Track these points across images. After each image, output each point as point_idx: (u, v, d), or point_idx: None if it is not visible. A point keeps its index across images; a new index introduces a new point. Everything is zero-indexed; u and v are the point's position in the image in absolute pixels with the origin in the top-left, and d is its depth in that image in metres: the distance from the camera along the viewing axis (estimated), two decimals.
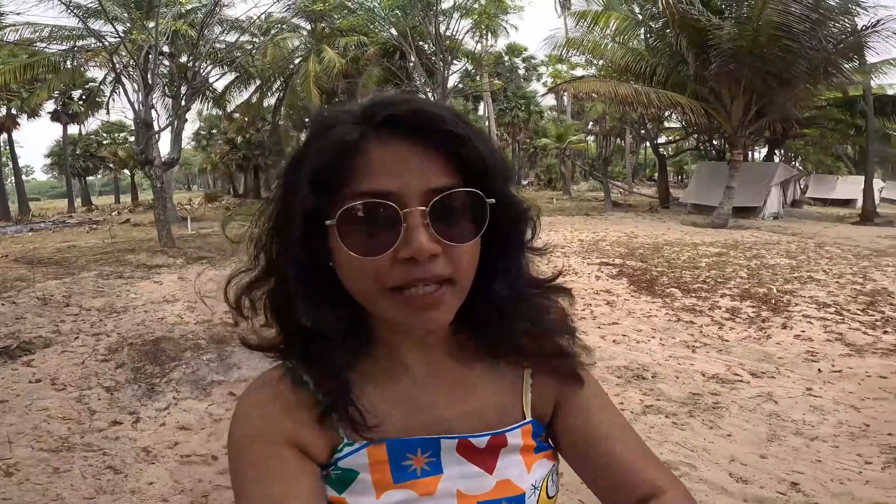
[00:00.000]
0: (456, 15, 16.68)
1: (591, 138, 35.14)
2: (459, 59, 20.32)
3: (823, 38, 12.55)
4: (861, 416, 3.25)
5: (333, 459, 0.53)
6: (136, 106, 11.37)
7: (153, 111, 11.85)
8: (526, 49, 37.86)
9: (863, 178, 17.61)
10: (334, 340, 0.52)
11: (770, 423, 3.20)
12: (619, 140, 32.32)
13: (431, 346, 0.57)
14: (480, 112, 39.24)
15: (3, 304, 6.48)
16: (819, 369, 4.06)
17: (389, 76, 19.48)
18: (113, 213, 23.58)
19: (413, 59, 17.71)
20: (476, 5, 16.26)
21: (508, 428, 0.58)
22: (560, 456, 0.63)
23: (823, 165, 31.46)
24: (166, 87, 14.84)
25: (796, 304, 5.88)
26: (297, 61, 20.75)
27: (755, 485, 2.53)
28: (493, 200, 0.48)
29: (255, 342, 0.56)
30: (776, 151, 22.86)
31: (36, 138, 46.88)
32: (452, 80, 20.21)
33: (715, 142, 21.20)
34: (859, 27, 12.57)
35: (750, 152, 21.41)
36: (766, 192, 16.74)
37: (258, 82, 21.40)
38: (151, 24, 11.97)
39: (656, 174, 25.69)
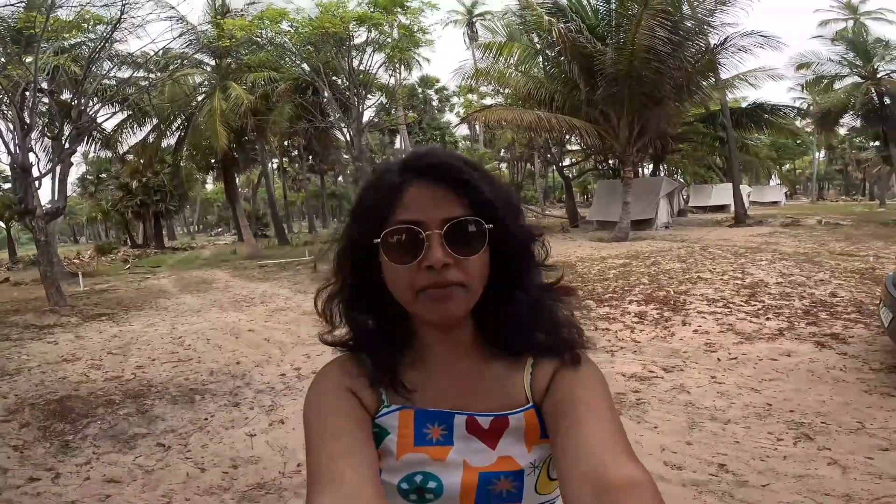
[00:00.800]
0: (369, 49, 16.98)
1: (503, 165, 36.81)
2: (374, 93, 20.57)
3: (684, 59, 14.40)
4: (762, 396, 3.62)
5: (376, 416, 0.69)
6: (13, 148, 10.28)
7: (32, 154, 10.76)
8: (438, 80, 39.23)
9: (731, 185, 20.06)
10: (385, 333, 0.70)
11: (687, 412, 3.45)
12: (528, 165, 34.21)
13: (457, 342, 0.70)
14: (397, 145, 39.71)
15: None
16: (718, 358, 4.41)
17: (302, 112, 19.24)
18: None
19: (326, 94, 17.69)
20: (389, 40, 16.65)
21: (511, 411, 0.68)
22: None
23: (699, 176, 35.31)
24: (46, 128, 13.54)
25: (691, 303, 6.50)
26: (200, 98, 19.86)
27: (688, 470, 2.75)
28: (491, 226, 0.63)
29: (330, 340, 0.73)
30: (660, 166, 25.40)
31: None
32: (368, 114, 20.37)
33: (610, 161, 23.11)
34: (711, 45, 14.51)
35: (639, 169, 23.59)
36: (656, 205, 18.49)
37: (155, 121, 20.10)
38: (30, 59, 10.98)
39: (565, 196, 27.45)
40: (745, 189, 22.55)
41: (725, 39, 14.34)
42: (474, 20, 35.17)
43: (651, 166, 26.16)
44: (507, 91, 18.07)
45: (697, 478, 2.66)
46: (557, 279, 0.73)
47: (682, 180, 32.79)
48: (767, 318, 5.53)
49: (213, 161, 24.65)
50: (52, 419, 3.93)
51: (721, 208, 26.79)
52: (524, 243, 0.68)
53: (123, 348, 6.60)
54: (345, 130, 19.09)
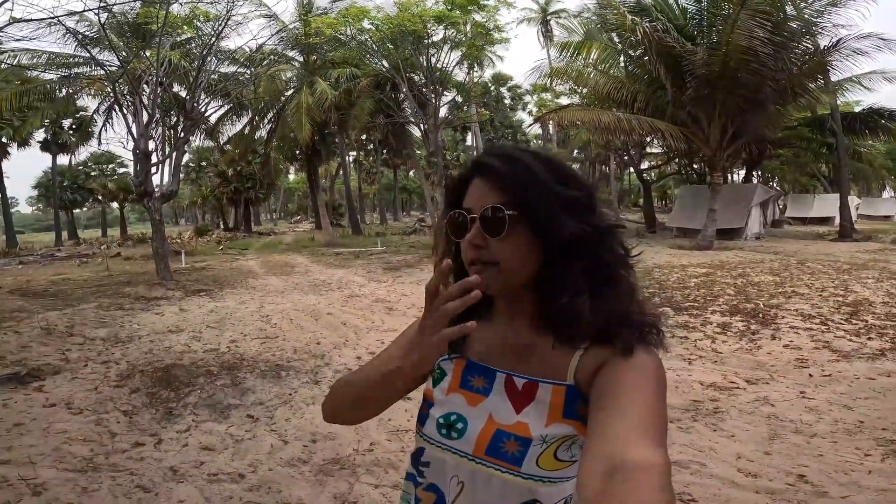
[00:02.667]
0: (445, 47, 17.22)
1: (577, 166, 35.87)
2: (450, 91, 20.82)
3: (788, 60, 13.24)
4: (855, 414, 3.44)
5: (439, 362, 0.84)
6: (135, 135, 11.51)
7: (151, 142, 12.00)
8: (511, 79, 38.96)
9: (838, 195, 18.23)
10: None
11: (770, 423, 3.37)
12: (604, 167, 33.07)
13: (518, 313, 0.79)
14: (469, 142, 39.91)
15: (5, 334, 6.49)
16: (810, 374, 4.27)
17: (381, 108, 19.90)
18: (102, 247, 23.38)
19: (404, 90, 18.17)
20: (464, 38, 16.79)
21: (544, 380, 0.73)
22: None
23: (799, 185, 32.44)
24: (163, 118, 15.05)
25: (783, 317, 6.15)
26: (289, 93, 21.13)
27: (764, 478, 2.68)
28: (513, 212, 0.71)
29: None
30: (754, 173, 23.60)
31: (21, 170, 46.24)
32: (443, 111, 20.67)
33: (695, 165, 21.81)
34: (821, 47, 13.25)
35: (729, 174, 22.07)
36: (747, 213, 17.23)
37: (251, 114, 21.68)
38: (150, 54, 12.20)
39: (641, 199, 26.25)
40: (852, 200, 20.40)
41: (838, 41, 13.03)
42: (549, 18, 34.45)
43: (743, 172, 24.37)
44: (583, 91, 17.58)
45: (773, 486, 2.60)
46: (628, 270, 0.77)
47: (778, 188, 30.25)
48: (869, 338, 5.17)
49: (297, 152, 26.08)
50: (158, 386, 4.40)
51: (823, 220, 24.45)
52: (572, 233, 0.71)
53: (220, 323, 7.24)
54: (421, 126, 19.48)
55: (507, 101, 40.50)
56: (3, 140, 26.90)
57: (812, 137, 19.87)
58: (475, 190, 0.76)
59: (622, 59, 16.62)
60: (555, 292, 0.72)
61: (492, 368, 0.78)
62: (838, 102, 17.51)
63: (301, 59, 21.27)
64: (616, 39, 16.27)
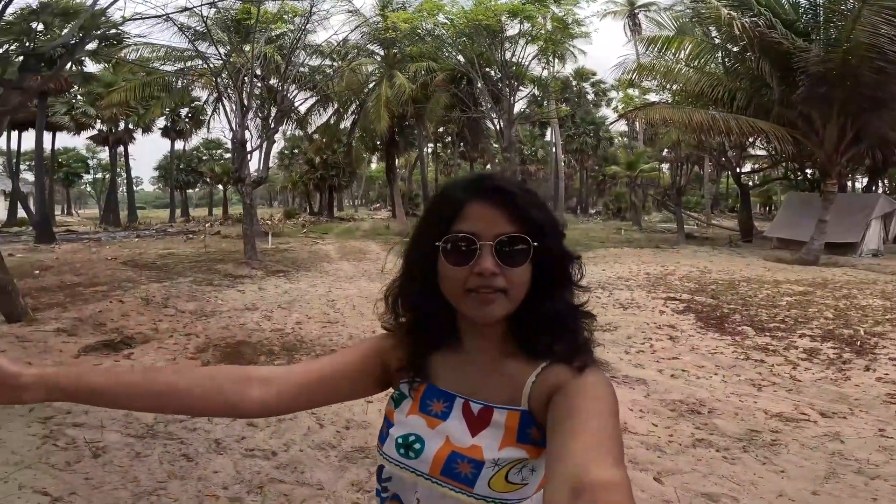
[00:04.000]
0: (521, 41, 16.92)
1: (665, 166, 33.70)
2: (526, 85, 20.45)
3: None
4: None
5: (400, 382, 0.86)
6: (234, 125, 12.58)
7: (247, 131, 13.06)
8: (594, 74, 37.32)
9: None
10: (431, 322, 0.82)
11: (831, 461, 3.05)
12: (696, 168, 30.78)
13: (490, 340, 0.80)
14: (548, 138, 38.90)
15: (111, 302, 7.38)
16: None
17: (456, 102, 20.01)
18: (206, 225, 25.81)
19: (480, 84, 18.11)
20: (542, 32, 16.39)
21: (498, 406, 0.77)
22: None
23: None
24: (258, 109, 16.29)
25: (884, 347, 5.43)
26: (370, 86, 21.93)
27: None
28: (537, 244, 0.74)
29: (388, 326, 0.88)
30: (878, 182, 20.79)
31: (144, 152, 52.81)
32: (519, 106, 20.36)
33: (807, 171, 19.67)
34: None
35: (847, 182, 19.62)
36: (865, 227, 15.25)
37: (336, 105, 22.77)
38: (247, 48, 13.24)
39: (738, 205, 24.17)
40: None
41: None
42: (636, 12, 32.42)
43: (865, 180, 21.56)
44: (674, 87, 16.43)
45: None
46: (583, 301, 0.81)
47: None
48: None
49: (377, 143, 27.01)
50: (226, 361, 4.80)
51: None
52: (563, 263, 0.78)
53: (290, 304, 7.73)
54: (495, 121, 19.33)
55: (589, 97, 38.90)
56: (130, 126, 30.50)
57: None
58: (480, 214, 0.75)
59: (720, 54, 15.33)
60: (532, 313, 0.77)
61: (451, 393, 0.81)
62: None
63: (382, 52, 21.93)
64: (713, 34, 15.02)
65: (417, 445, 0.79)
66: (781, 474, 2.90)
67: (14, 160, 28.08)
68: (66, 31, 6.59)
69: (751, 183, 23.34)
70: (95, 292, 8.22)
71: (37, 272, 10.13)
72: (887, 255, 15.44)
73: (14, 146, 29.29)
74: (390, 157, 26.70)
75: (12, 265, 10.82)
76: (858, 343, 5.61)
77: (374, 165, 52.54)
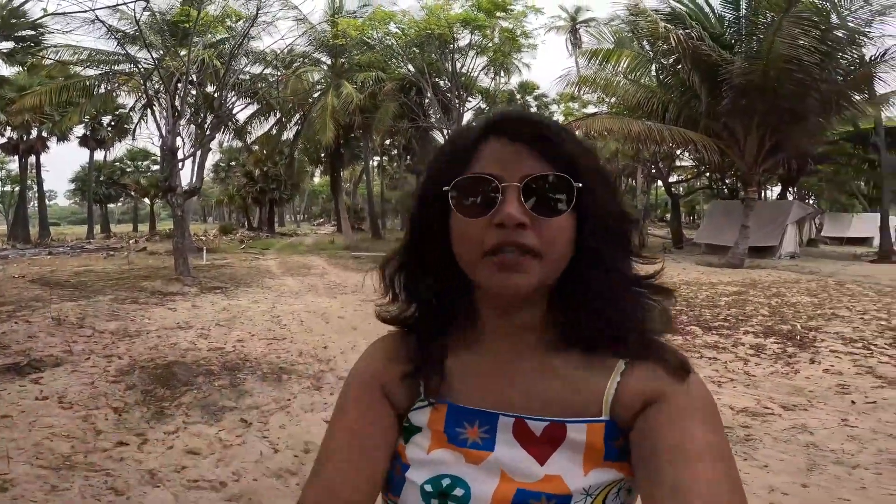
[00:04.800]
0: (472, 53, 17.14)
1: None
2: (474, 96, 20.75)
3: (833, 70, 12.66)
4: None
5: (409, 412, 0.62)
6: (163, 132, 11.70)
7: (178, 139, 12.21)
8: (538, 87, 38.67)
9: (879, 215, 17.37)
10: (442, 308, 0.62)
11: (808, 453, 3.10)
12: (630, 180, 32.42)
13: (522, 327, 0.59)
14: None
15: (16, 323, 6.51)
16: (853, 401, 3.96)
17: (405, 111, 19.91)
18: (131, 241, 23.94)
19: (429, 95, 18.12)
20: (491, 44, 16.69)
21: (573, 419, 0.56)
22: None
23: (838, 203, 31.15)
24: (192, 116, 15.41)
25: (822, 340, 5.76)
26: (316, 95, 21.37)
27: None
28: (581, 185, 0.54)
29: (387, 316, 0.67)
30: (790, 189, 22.71)
31: (60, 164, 48.32)
32: (467, 117, 20.58)
33: (727, 180, 21.10)
34: (867, 58, 12.66)
35: (763, 191, 21.28)
36: (782, 231, 16.53)
37: (278, 115, 21.99)
38: (184, 53, 12.44)
39: (668, 214, 25.57)
40: (894, 221, 19.44)
41: (885, 52, 12.44)
42: (578, 27, 34.12)
43: (779, 188, 23.51)
44: (612, 100, 17.22)
45: None
46: (657, 271, 0.61)
47: (815, 206, 29.10)
48: None
49: (321, 155, 26.35)
50: (156, 384, 4.26)
51: (861, 241, 23.34)
52: (616, 219, 0.58)
53: (229, 321, 7.14)
54: (444, 132, 19.43)
55: (532, 110, 40.28)
56: (44, 134, 27.81)
57: (853, 153, 19.01)
58: (501, 152, 0.56)
59: (654, 67, 16.22)
60: (583, 288, 0.57)
61: (488, 411, 0.59)
62: (883, 117, 16.69)
63: (329, 61, 21.50)
64: (647, 47, 15.89)
65: (460, 491, 0.57)
66: (765, 469, 2.90)
67: None
68: None
69: (678, 192, 24.75)
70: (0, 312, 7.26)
71: None
72: (803, 256, 16.82)
73: None
74: (335, 169, 26.09)
75: None
76: (798, 337, 5.92)
77: (317, 179, 51.46)
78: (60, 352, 5.26)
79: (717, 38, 13.70)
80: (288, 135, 23.97)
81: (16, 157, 30.38)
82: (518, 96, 35.97)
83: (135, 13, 10.77)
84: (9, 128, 26.48)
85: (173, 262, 11.91)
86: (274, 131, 22.97)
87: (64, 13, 8.48)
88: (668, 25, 13.28)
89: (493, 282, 0.54)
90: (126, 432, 3.28)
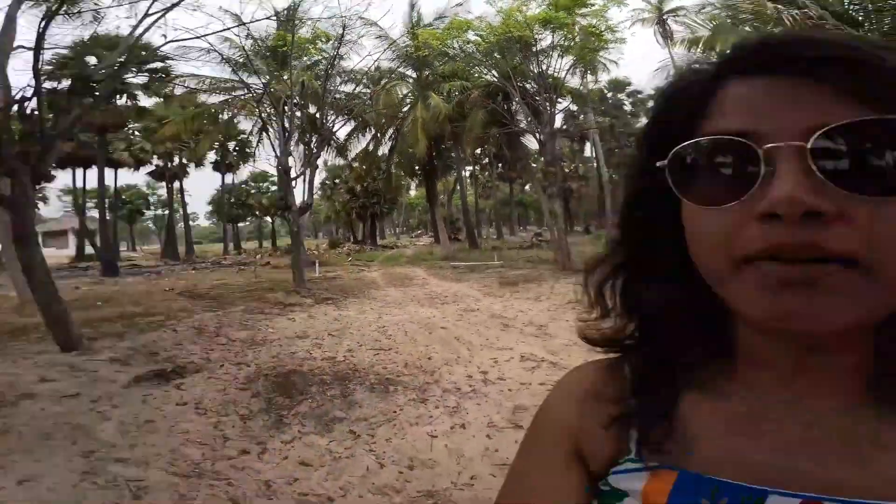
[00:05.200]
0: (555, 53, 16.59)
1: None
2: (564, 97, 20.08)
3: None
4: None
5: (610, 471, 0.42)
6: (278, 153, 12.85)
7: (290, 158, 13.35)
8: (630, 83, 36.53)
9: None
10: (672, 327, 0.43)
11: None
12: None
13: (823, 372, 0.37)
14: (587, 153, 38.17)
15: (165, 331, 7.41)
16: None
17: (494, 118, 19.84)
18: (257, 257, 26.61)
19: (517, 99, 17.86)
20: (574, 43, 15.98)
21: None
22: None
23: None
24: (300, 136, 16.77)
25: None
26: (405, 109, 22.02)
27: None
28: None
29: (595, 337, 0.49)
30: None
31: (199, 187, 55.62)
32: (558, 120, 19.97)
33: None
34: None
35: None
36: None
37: (373, 131, 23.12)
38: (286, 76, 13.62)
39: None
40: None
41: None
42: (665, 17, 31.52)
43: None
44: None
45: None
46: None
47: None
48: None
49: (416, 168, 27.21)
50: (276, 392, 4.56)
51: None
52: None
53: (340, 331, 7.52)
54: (536, 135, 19.02)
55: (626, 108, 38.08)
56: (184, 161, 32.10)
57: None
58: (762, 96, 0.35)
59: None
60: None
61: (753, 487, 0.36)
62: None
63: (414, 74, 22.16)
64: (752, 32, 14.22)
65: None
66: None
67: (81, 199, 30.04)
68: (109, 58, 6.86)
69: None
70: (151, 322, 8.34)
71: (99, 303, 10.47)
72: None
73: (80, 184, 31.33)
74: (430, 181, 26.79)
75: (76, 297, 11.31)
76: None
77: (413, 192, 53.23)
78: (200, 359, 5.88)
79: (839, 15, 11.89)
80: (383, 150, 25.08)
81: (163, 183, 35.47)
82: (609, 94, 34.25)
83: (242, 43, 12.08)
84: (155, 156, 30.99)
85: (292, 275, 12.94)
86: (371, 147, 24.18)
87: (177, 40, 9.62)
88: (778, 6, 11.78)
89: (760, 310, 0.34)
90: (249, 440, 3.52)
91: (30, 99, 5.94)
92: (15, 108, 5.94)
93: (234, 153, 34.89)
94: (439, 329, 7.40)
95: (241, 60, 14.68)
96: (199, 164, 33.47)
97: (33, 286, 6.17)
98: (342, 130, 21.06)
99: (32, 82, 5.97)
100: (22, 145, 5.98)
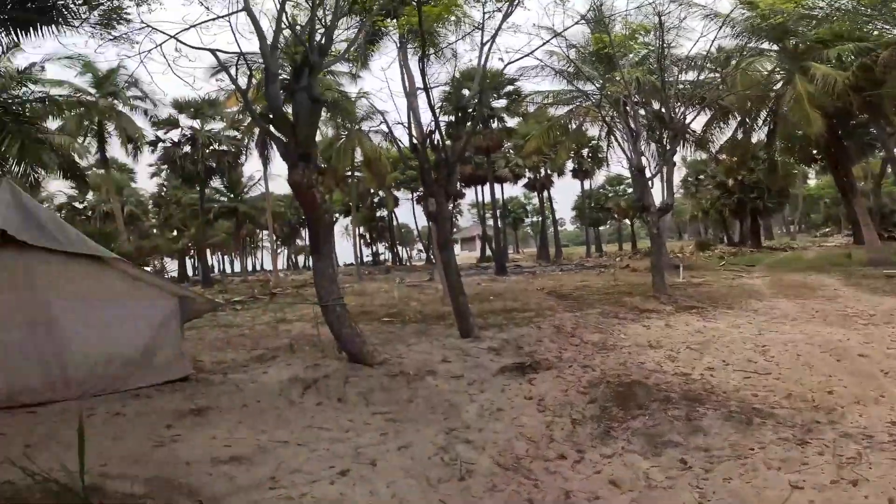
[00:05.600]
0: None
1: None
2: None
3: None
4: None
5: None
6: (628, 154, 12.54)
7: (643, 158, 12.78)
8: None
9: None
10: None
11: None
12: None
13: None
14: None
15: (532, 327, 8.22)
16: None
17: None
18: (616, 259, 26.90)
19: None
20: None
21: None
22: None
23: None
24: (648, 134, 15.85)
25: None
26: (777, 87, 17.59)
27: None
28: None
29: None
30: None
31: (565, 195, 60.94)
32: None
33: None
34: None
35: None
36: None
37: (738, 117, 19.44)
38: (618, 77, 13.09)
39: None
40: None
41: None
42: None
43: None
44: None
45: None
46: None
47: None
48: None
49: (813, 152, 21.21)
50: (614, 402, 4.40)
51: None
52: None
53: (702, 345, 6.65)
54: None
55: None
56: (549, 172, 35.75)
57: None
58: None
59: None
60: None
61: None
62: None
63: (776, 47, 17.37)
64: None
65: None
66: None
67: (481, 210, 37.70)
68: (472, 88, 8.50)
69: None
70: (524, 318, 9.48)
71: (491, 298, 12.71)
72: None
73: (479, 198, 39.32)
74: (838, 166, 20.43)
75: (477, 291, 14.15)
76: None
77: (812, 181, 42.25)
78: (553, 356, 6.29)
79: None
80: (758, 136, 20.68)
81: (535, 193, 40.41)
82: None
83: (565, 51, 12.28)
84: (526, 169, 35.67)
85: (651, 279, 12.33)
86: (739, 135, 20.35)
87: (511, 62, 10.32)
88: None
89: None
90: (571, 446, 3.52)
91: (434, 132, 7.86)
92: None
93: (588, 159, 36.39)
94: (855, 356, 5.56)
95: (570, 70, 15.19)
96: (560, 173, 36.73)
97: (448, 282, 8.07)
98: (696, 123, 18.75)
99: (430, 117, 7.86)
100: (435, 171, 7.92)
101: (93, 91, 21.97)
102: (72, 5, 6.37)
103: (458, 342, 7.08)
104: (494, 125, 27.53)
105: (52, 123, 17.80)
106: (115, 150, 24.18)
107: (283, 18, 5.77)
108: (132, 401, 4.62)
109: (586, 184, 41.86)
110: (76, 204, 34.02)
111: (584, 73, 14.35)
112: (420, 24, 7.25)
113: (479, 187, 37.73)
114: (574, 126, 20.14)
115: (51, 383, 4.62)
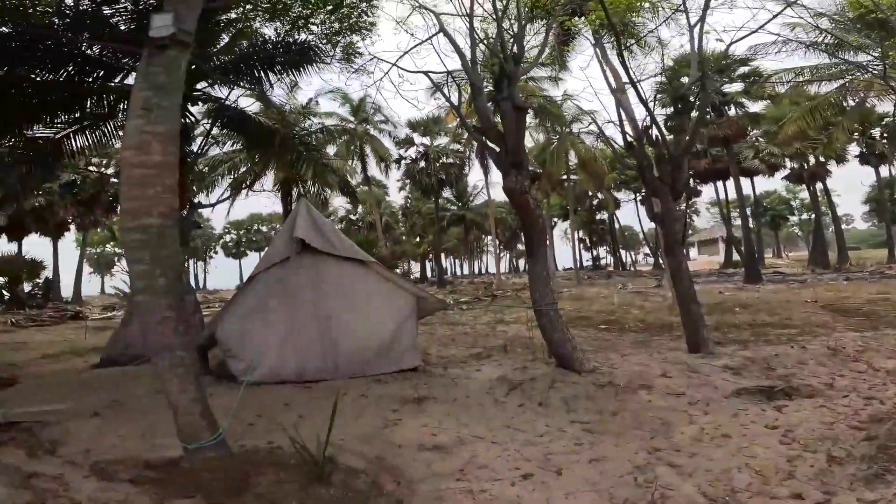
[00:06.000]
0: None
1: None
2: None
3: None
4: None
5: None
6: None
7: None
8: None
9: None
10: None
11: None
12: None
13: None
14: None
15: (792, 347, 6.67)
16: None
17: None
18: None
19: None
20: None
21: None
22: None
23: None
24: None
25: None
26: None
27: None
28: None
29: None
30: None
31: (849, 185, 46.24)
32: None
33: None
34: None
35: None
36: None
37: None
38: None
39: None
40: None
41: None
42: None
43: None
44: None
45: None
46: None
47: None
48: None
49: None
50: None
51: None
52: None
53: None
54: None
55: None
56: (821, 159, 27.95)
57: None
58: None
59: None
60: None
61: None
62: None
63: None
64: None
65: None
66: None
67: (724, 209, 32.15)
68: (691, 75, 7.11)
69: None
70: (781, 335, 7.88)
71: (736, 309, 10.86)
72: None
73: (721, 195, 33.43)
74: None
75: (717, 301, 12.23)
76: None
77: None
78: (820, 384, 4.95)
79: None
80: None
81: (802, 186, 32.37)
82: None
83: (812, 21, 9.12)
84: (786, 158, 28.67)
85: None
86: None
87: (740, 39, 8.29)
88: None
89: None
90: (816, 486, 2.73)
91: (650, 127, 7.11)
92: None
93: (883, 140, 27.31)
94: None
95: (826, 42, 11.65)
96: (839, 160, 28.39)
97: (676, 289, 7.19)
98: None
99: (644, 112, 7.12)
100: (657, 169, 7.17)
101: (352, 119, 27.30)
102: (320, 45, 7.95)
103: (684, 356, 6.21)
104: (731, 112, 23.33)
105: (330, 149, 22.82)
106: (372, 168, 29.59)
107: (475, 34, 6.08)
108: (375, 385, 5.40)
109: (883, 170, 31.87)
110: (352, 216, 42.66)
111: (849, 43, 11.07)
112: (607, 17, 6.73)
113: (719, 183, 32.45)
114: (853, 103, 15.60)
115: (326, 366, 5.74)
